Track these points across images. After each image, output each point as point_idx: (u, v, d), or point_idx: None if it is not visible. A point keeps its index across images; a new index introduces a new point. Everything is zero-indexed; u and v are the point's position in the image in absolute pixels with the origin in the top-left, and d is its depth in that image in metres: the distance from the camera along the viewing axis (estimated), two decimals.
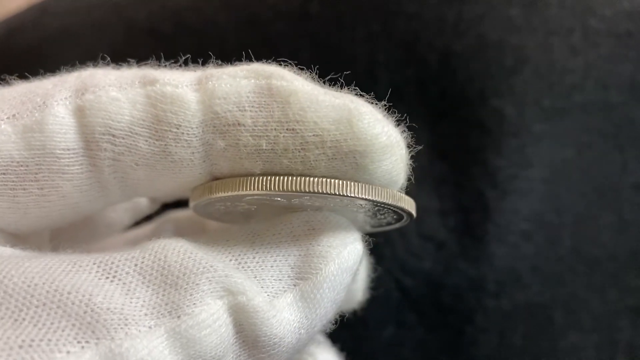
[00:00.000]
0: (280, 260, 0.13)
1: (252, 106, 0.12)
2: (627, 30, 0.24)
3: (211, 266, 0.12)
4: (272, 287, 0.13)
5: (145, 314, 0.11)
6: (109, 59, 0.15)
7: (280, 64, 0.13)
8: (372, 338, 0.24)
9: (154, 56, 0.15)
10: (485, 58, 0.24)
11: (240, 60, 0.14)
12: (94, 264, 0.12)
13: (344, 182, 0.13)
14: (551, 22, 0.24)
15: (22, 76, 0.15)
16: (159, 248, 0.12)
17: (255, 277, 0.12)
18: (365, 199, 0.13)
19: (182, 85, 0.13)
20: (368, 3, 0.25)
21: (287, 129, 0.12)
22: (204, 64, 0.14)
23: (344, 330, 0.20)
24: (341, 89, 0.14)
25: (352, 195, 0.13)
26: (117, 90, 0.13)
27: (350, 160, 0.12)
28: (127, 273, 0.11)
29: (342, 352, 0.20)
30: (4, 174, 0.13)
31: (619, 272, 0.24)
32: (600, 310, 0.23)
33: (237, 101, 0.12)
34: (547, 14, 0.24)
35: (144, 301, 0.11)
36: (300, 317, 0.13)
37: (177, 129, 0.12)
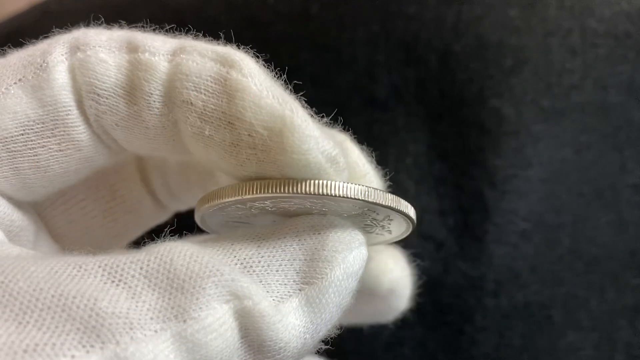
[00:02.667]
0: (285, 265, 0.13)
1: (207, 90, 0.13)
2: (625, 31, 0.24)
3: (217, 270, 0.12)
4: (278, 292, 0.12)
5: (151, 318, 0.11)
6: (102, 19, 0.15)
7: (267, 64, 0.14)
8: (372, 337, 0.24)
9: None
10: (485, 58, 0.24)
11: None
12: (99, 267, 0.12)
13: (345, 184, 0.13)
14: (550, 22, 0.24)
15: None
16: (165, 251, 0.12)
17: (261, 282, 0.12)
18: (362, 201, 0.13)
19: (159, 54, 0.13)
20: (368, 4, 0.25)
21: (227, 122, 0.13)
22: None
23: (344, 330, 0.20)
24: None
25: (345, 195, 0.13)
26: (106, 52, 0.13)
27: (276, 169, 0.13)
28: (133, 277, 0.11)
29: (343, 352, 0.20)
30: (22, 134, 0.13)
31: (617, 272, 0.24)
32: (598, 310, 0.24)
33: (196, 82, 0.13)
34: (545, 15, 0.24)
35: (150, 305, 0.11)
36: (305, 321, 0.13)
37: (149, 96, 0.13)
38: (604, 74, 0.24)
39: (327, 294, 0.13)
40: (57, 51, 0.14)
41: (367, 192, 0.13)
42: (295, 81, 0.20)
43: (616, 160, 0.24)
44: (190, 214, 0.15)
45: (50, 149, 0.14)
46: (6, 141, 0.13)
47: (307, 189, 0.13)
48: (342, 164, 0.13)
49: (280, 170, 0.13)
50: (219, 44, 0.14)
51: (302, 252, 0.13)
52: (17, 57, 0.14)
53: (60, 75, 0.13)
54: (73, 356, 0.10)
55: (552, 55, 0.24)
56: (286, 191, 0.13)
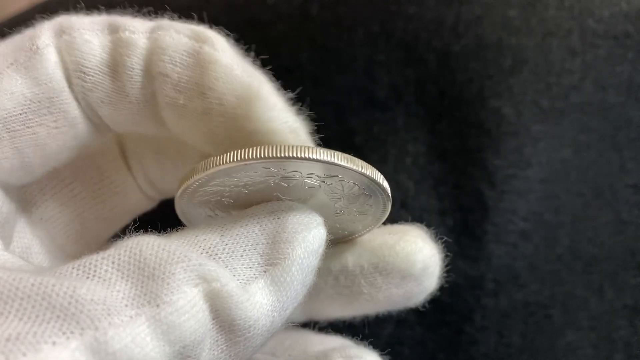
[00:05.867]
0: (249, 250, 0.13)
1: (182, 63, 0.14)
2: (625, 31, 0.24)
3: (185, 256, 0.12)
4: (244, 275, 0.13)
5: (126, 305, 0.11)
6: (83, 4, 0.17)
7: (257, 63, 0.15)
8: (372, 337, 0.24)
9: None
10: (484, 59, 0.24)
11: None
12: (73, 268, 0.12)
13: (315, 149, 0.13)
14: (549, 23, 0.24)
15: None
16: (134, 244, 0.13)
17: (227, 267, 0.13)
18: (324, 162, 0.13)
19: (138, 32, 0.14)
20: (367, 4, 0.25)
21: (199, 92, 0.14)
22: None
23: (344, 330, 0.20)
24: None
25: (315, 158, 0.13)
26: (90, 33, 0.14)
27: (243, 135, 0.14)
28: (106, 271, 0.12)
29: None
30: (21, 113, 0.14)
31: (616, 272, 0.24)
32: (598, 309, 0.24)
33: (172, 55, 0.14)
34: (545, 15, 0.24)
35: (124, 294, 0.12)
36: (272, 300, 0.13)
37: (131, 71, 0.14)
38: (603, 74, 0.24)
39: (290, 272, 0.13)
40: (44, 35, 0.14)
41: (331, 155, 0.13)
42: (295, 81, 0.20)
43: (615, 160, 0.24)
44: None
45: (47, 126, 0.14)
46: (6, 121, 0.14)
47: (265, 153, 0.13)
48: (304, 136, 0.14)
49: (247, 138, 0.14)
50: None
51: (264, 236, 0.14)
52: (4, 45, 0.15)
53: (52, 56, 0.14)
54: (54, 343, 0.11)
55: (552, 56, 0.24)
56: (246, 157, 0.13)
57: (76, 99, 0.15)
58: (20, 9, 0.30)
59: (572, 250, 0.24)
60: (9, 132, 0.14)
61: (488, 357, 0.23)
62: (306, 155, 0.13)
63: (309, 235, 0.14)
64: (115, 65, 0.14)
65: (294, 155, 0.13)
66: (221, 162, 0.13)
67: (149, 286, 0.12)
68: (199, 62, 0.14)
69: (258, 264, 0.13)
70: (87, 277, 0.12)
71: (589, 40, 0.24)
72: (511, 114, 0.24)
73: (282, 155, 0.13)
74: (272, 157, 0.13)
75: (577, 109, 0.24)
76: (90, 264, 0.12)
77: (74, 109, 0.15)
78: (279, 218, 0.14)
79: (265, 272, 0.13)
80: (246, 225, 0.14)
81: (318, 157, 0.13)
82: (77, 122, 0.15)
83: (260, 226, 0.14)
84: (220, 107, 0.13)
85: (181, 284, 0.12)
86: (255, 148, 0.13)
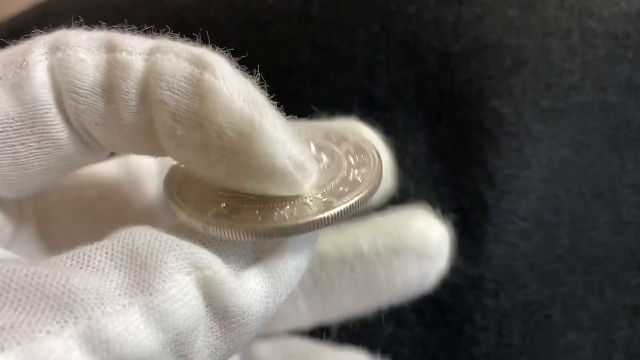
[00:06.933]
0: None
1: (180, 91, 0.13)
2: (625, 31, 0.24)
3: (177, 245, 0.12)
4: (236, 263, 0.13)
5: (119, 294, 0.12)
6: (82, 20, 0.16)
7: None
8: (372, 337, 0.24)
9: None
10: (484, 59, 0.24)
11: (241, 61, 0.14)
12: (67, 258, 0.12)
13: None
14: (549, 23, 0.24)
15: None
16: (126, 234, 0.13)
17: (220, 255, 0.13)
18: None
19: (135, 52, 0.13)
20: (368, 4, 0.25)
21: (198, 123, 0.13)
22: None
23: (344, 330, 0.21)
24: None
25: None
26: (85, 52, 0.14)
27: (245, 172, 0.13)
28: (99, 261, 0.12)
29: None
30: (2, 131, 0.14)
31: (617, 272, 0.24)
32: (598, 309, 0.24)
33: (170, 81, 0.13)
34: (545, 15, 0.24)
35: (117, 283, 0.12)
36: (266, 286, 0.13)
37: (126, 95, 0.13)
38: (603, 74, 0.24)
39: (283, 258, 0.13)
40: (37, 50, 0.14)
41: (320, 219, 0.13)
42: (295, 81, 0.21)
43: (615, 160, 0.24)
44: None
45: (29, 146, 0.14)
46: None
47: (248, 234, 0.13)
48: (310, 169, 0.14)
49: (249, 174, 0.13)
50: (195, 44, 0.14)
51: None
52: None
53: (40, 74, 0.14)
54: (48, 332, 0.11)
55: (552, 56, 0.24)
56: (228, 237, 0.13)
57: (65, 120, 0.14)
58: (21, 9, 0.30)
59: (572, 250, 0.24)
60: None
61: (488, 357, 0.23)
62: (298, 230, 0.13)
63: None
64: (110, 88, 0.13)
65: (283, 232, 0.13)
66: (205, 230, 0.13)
67: (141, 275, 0.12)
68: (198, 91, 0.13)
69: (251, 250, 0.13)
70: (81, 267, 0.12)
71: (589, 40, 0.24)
72: (511, 114, 0.24)
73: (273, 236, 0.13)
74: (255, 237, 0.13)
75: (577, 109, 0.24)
76: (83, 254, 0.12)
77: (60, 131, 0.14)
78: None
79: (258, 259, 0.13)
80: None
81: (306, 229, 0.13)
82: (63, 144, 0.14)
83: None
84: (219, 141, 0.13)
85: (173, 272, 0.12)
86: (237, 230, 0.13)
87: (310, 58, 0.25)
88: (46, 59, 0.14)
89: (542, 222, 0.24)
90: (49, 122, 0.14)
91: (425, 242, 0.17)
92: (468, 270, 0.23)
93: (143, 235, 0.12)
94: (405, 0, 0.25)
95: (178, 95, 0.13)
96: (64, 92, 0.14)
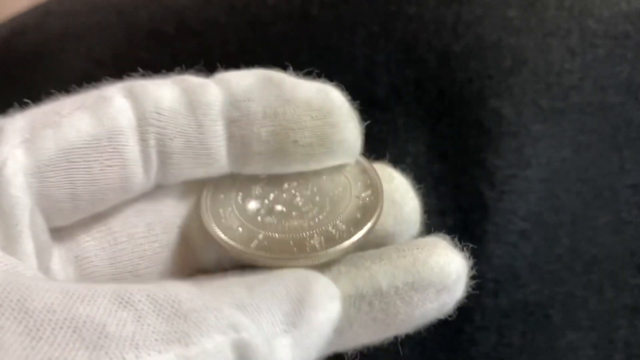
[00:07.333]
0: (273, 309, 0.14)
1: (257, 89, 0.17)
2: (624, 31, 0.24)
3: (218, 307, 0.13)
4: (267, 330, 0.14)
5: (156, 340, 0.12)
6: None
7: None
8: None
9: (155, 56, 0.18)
10: (484, 59, 0.24)
11: (242, 60, 0.15)
12: (109, 289, 0.13)
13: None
14: (549, 23, 0.24)
15: (26, 76, 0.17)
16: (171, 286, 0.13)
17: (254, 321, 0.14)
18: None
19: (205, 81, 0.17)
20: (368, 5, 0.25)
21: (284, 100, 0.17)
22: (205, 64, 0.15)
23: None
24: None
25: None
26: (156, 84, 0.17)
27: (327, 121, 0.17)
28: (140, 301, 0.12)
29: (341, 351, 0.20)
30: (81, 147, 0.16)
31: (616, 272, 0.24)
32: (597, 309, 0.24)
33: (247, 85, 0.17)
34: (545, 15, 0.24)
35: (155, 327, 0.12)
36: (294, 357, 0.14)
37: (207, 106, 0.16)
38: (603, 74, 0.24)
39: (311, 336, 0.14)
40: (112, 89, 0.16)
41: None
42: None
43: (615, 160, 0.24)
44: None
45: (101, 163, 0.16)
46: (68, 152, 0.16)
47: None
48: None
49: (328, 121, 0.18)
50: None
51: (289, 299, 0.14)
52: (73, 97, 0.17)
53: (118, 101, 0.16)
54: None
55: (552, 56, 0.24)
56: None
57: (140, 142, 0.16)
58: (21, 9, 0.30)
59: (571, 250, 0.24)
60: (68, 162, 0.16)
61: (488, 356, 0.23)
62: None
63: (331, 305, 0.15)
64: (191, 101, 0.16)
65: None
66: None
67: (180, 325, 0.12)
68: (273, 83, 0.18)
69: (281, 322, 0.14)
70: (120, 303, 0.12)
71: (589, 41, 0.24)
72: (511, 114, 0.24)
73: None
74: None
75: (576, 109, 0.24)
76: (126, 291, 0.13)
77: (130, 151, 0.16)
78: (304, 285, 0.15)
79: (286, 331, 0.14)
80: (273, 285, 0.15)
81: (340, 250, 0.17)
82: (129, 164, 0.16)
83: (286, 288, 0.15)
84: (304, 104, 0.18)
85: (212, 329, 0.13)
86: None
87: (310, 58, 0.25)
88: (121, 91, 0.16)
89: (542, 222, 0.24)
90: (122, 142, 0.16)
91: (445, 277, 0.17)
92: (468, 270, 0.23)
93: (187, 292, 0.13)
94: (405, 0, 0.25)
95: (256, 92, 0.17)
96: (147, 113, 0.16)
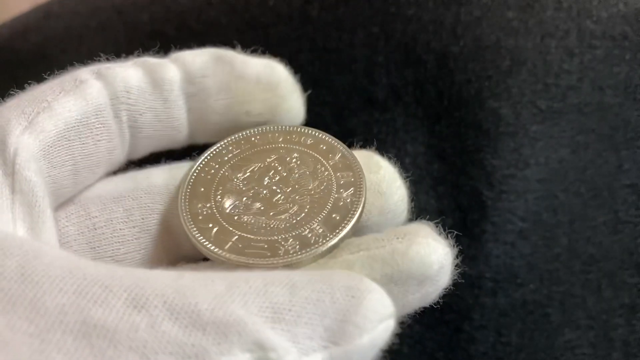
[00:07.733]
0: (315, 320, 0.13)
1: (211, 66, 0.19)
2: (622, 32, 0.24)
3: (242, 320, 0.12)
4: (303, 345, 0.12)
5: (170, 353, 0.11)
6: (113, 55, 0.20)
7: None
8: None
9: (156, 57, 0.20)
10: (483, 60, 0.24)
11: None
12: (125, 291, 0.12)
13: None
14: (547, 24, 0.24)
15: (27, 77, 0.17)
16: (190, 291, 0.12)
17: (289, 331, 0.12)
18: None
19: (162, 61, 0.19)
20: (367, 6, 0.25)
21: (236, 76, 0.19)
22: None
23: None
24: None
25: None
26: (121, 67, 0.18)
27: (273, 95, 0.20)
28: (155, 307, 0.12)
29: None
30: (75, 126, 0.17)
31: (614, 271, 0.24)
32: (596, 308, 0.24)
33: (201, 63, 0.19)
34: (543, 16, 0.24)
35: (170, 336, 0.11)
36: None
37: (170, 83, 0.18)
38: (601, 75, 0.24)
39: (351, 357, 0.13)
40: (83, 73, 0.18)
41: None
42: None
43: (613, 160, 0.24)
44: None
45: (93, 138, 0.18)
46: (65, 131, 0.17)
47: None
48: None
49: (276, 94, 0.20)
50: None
51: (334, 311, 0.13)
52: (47, 84, 0.18)
53: (94, 83, 0.18)
54: None
55: (550, 57, 0.24)
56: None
57: (114, 118, 0.18)
58: (22, 10, 0.31)
59: (570, 249, 0.24)
60: (67, 140, 0.17)
61: (486, 355, 0.23)
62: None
63: (379, 326, 0.13)
64: (154, 80, 0.18)
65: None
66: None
67: (198, 338, 0.11)
68: (224, 61, 0.20)
69: (320, 337, 0.13)
70: (135, 307, 0.12)
71: (587, 41, 0.24)
72: (509, 115, 0.24)
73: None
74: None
75: (575, 109, 0.24)
76: (142, 293, 0.12)
77: (111, 125, 0.18)
78: (354, 297, 0.13)
79: (325, 348, 0.13)
80: (318, 292, 0.13)
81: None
82: (113, 137, 0.18)
83: (332, 299, 0.13)
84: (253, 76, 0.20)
85: (233, 346, 0.12)
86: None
87: (310, 59, 0.25)
88: (92, 74, 0.18)
89: (540, 221, 0.24)
90: (106, 117, 0.18)
91: (426, 268, 0.16)
92: (466, 270, 0.23)
93: (208, 300, 0.12)
94: (405, 1, 0.25)
95: (210, 70, 0.20)
96: (119, 92, 0.18)
